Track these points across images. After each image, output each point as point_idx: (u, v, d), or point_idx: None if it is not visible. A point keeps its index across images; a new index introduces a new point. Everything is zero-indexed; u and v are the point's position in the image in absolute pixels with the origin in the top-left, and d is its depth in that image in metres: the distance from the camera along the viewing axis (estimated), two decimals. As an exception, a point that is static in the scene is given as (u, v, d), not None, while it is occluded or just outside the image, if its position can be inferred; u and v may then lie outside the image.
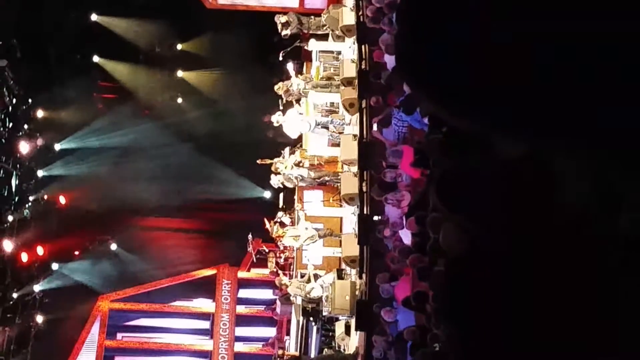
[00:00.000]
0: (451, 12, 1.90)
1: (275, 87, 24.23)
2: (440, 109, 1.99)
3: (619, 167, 1.88)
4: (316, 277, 22.36)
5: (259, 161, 24.10)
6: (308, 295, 22.00)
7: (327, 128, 22.98)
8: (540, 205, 2.01)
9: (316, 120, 23.23)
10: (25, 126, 34.79)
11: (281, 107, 24.38)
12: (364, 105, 19.72)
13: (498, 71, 1.85)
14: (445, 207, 2.18)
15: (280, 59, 24.89)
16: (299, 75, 24.30)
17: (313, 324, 23.03)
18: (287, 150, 23.88)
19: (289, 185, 23.78)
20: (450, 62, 1.89)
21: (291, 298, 23.40)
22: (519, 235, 2.01)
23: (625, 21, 1.77)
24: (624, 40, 1.77)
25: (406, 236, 16.05)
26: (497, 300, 1.98)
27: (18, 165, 34.43)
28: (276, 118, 24.03)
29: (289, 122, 23.77)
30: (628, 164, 1.86)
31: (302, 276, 22.85)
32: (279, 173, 23.62)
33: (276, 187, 24.54)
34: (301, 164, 23.28)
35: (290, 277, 26.08)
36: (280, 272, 27.24)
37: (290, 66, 24.44)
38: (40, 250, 34.11)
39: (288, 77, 24.30)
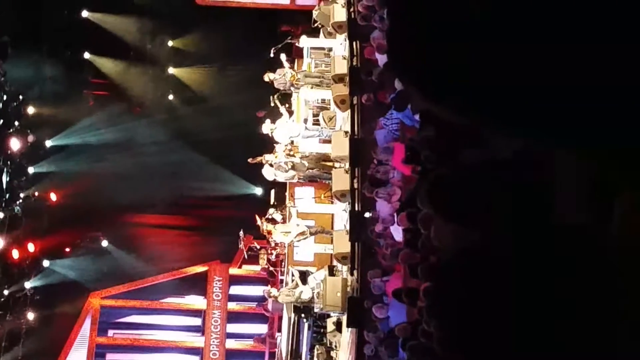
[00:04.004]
0: (444, 9, 1.91)
1: (264, 77, 24.23)
2: (432, 106, 1.99)
3: (614, 166, 1.89)
4: (305, 276, 22.36)
5: (250, 160, 24.04)
6: (299, 300, 22.03)
7: (319, 124, 22.98)
8: (536, 204, 2.01)
9: (306, 122, 23.26)
10: (16, 123, 34.68)
11: (272, 104, 24.36)
12: (355, 102, 19.73)
13: (493, 68, 1.85)
14: (439, 216, 2.19)
15: (272, 55, 24.88)
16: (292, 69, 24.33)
17: (304, 320, 23.04)
18: (278, 146, 23.84)
19: (281, 175, 23.64)
20: (443, 59, 1.89)
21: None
22: (514, 236, 2.01)
23: (624, 21, 1.77)
24: (622, 39, 1.77)
25: (397, 232, 16.06)
26: (489, 300, 1.98)
27: (9, 162, 34.34)
28: (266, 127, 24.01)
29: (279, 128, 23.79)
30: (624, 163, 1.86)
31: (292, 275, 22.86)
32: (271, 165, 23.55)
33: (270, 179, 24.33)
34: (292, 153, 23.22)
35: (282, 273, 26.11)
36: (270, 267, 27.28)
37: (283, 57, 24.44)
38: (31, 247, 34.06)
39: (280, 68, 24.28)
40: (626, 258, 1.91)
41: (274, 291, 24.39)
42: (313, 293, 21.42)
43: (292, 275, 22.92)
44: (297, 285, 22.15)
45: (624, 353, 1.90)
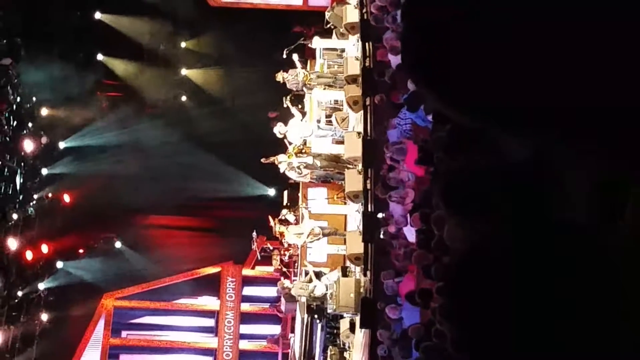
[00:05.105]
0: (457, 12, 1.91)
1: (277, 76, 24.27)
2: (446, 108, 2.00)
3: (623, 165, 1.89)
4: (319, 275, 22.36)
5: (262, 160, 24.05)
6: (312, 295, 22.01)
7: (331, 123, 22.98)
8: (545, 205, 2.02)
9: (319, 122, 23.29)
10: (30, 124, 34.80)
11: (285, 105, 24.38)
12: (368, 102, 19.72)
13: (505, 70, 1.86)
14: (452, 213, 2.19)
15: (284, 56, 24.92)
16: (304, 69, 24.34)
17: (317, 321, 23.03)
18: (291, 147, 23.85)
19: (293, 175, 23.66)
20: (456, 61, 1.90)
21: (295, 296, 23.42)
22: (524, 236, 2.02)
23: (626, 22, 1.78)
24: (626, 42, 1.78)
25: (410, 233, 16.05)
26: (501, 300, 1.99)
27: (22, 164, 34.44)
28: (278, 129, 24.06)
29: (291, 129, 23.83)
30: (633, 162, 1.87)
31: (306, 274, 22.87)
32: (282, 163, 23.51)
33: (282, 170, 24.12)
34: (304, 152, 23.22)
35: (295, 274, 26.11)
36: (283, 268, 27.25)
37: (295, 57, 24.47)
38: (44, 249, 34.14)
39: (293, 68, 24.31)
40: (632, 258, 1.91)
41: (287, 283, 24.43)
42: (327, 289, 21.42)
43: (306, 272, 22.91)
44: (311, 279, 22.15)
45: (626, 354, 1.91)
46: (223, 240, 34.83)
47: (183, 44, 36.01)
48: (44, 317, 33.81)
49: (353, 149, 20.12)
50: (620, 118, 1.82)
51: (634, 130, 1.81)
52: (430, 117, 15.75)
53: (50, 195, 35.24)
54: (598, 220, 1.97)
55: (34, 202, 34.73)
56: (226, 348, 34.10)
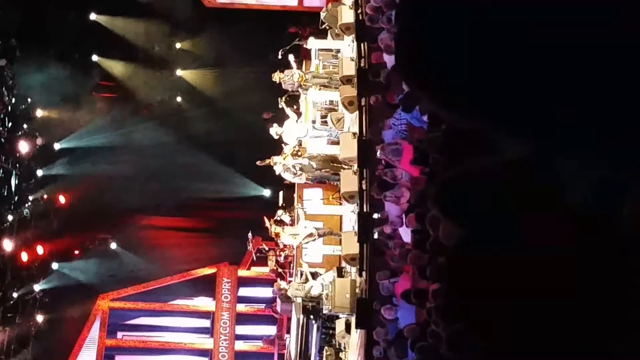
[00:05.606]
0: (451, 12, 1.91)
1: (273, 76, 24.30)
2: (441, 110, 1.99)
3: (622, 165, 1.89)
4: (315, 275, 22.38)
5: (258, 163, 24.05)
6: (308, 295, 22.02)
7: (326, 123, 23.00)
8: (543, 207, 2.02)
9: (314, 123, 23.30)
10: (25, 126, 34.77)
11: (280, 106, 24.39)
12: (363, 103, 19.72)
13: (500, 71, 1.86)
14: (447, 219, 2.19)
15: (280, 57, 24.93)
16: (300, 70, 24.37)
17: (313, 322, 23.03)
18: (286, 148, 23.86)
19: (289, 176, 23.67)
20: (451, 63, 1.89)
21: (291, 297, 23.43)
22: (522, 238, 2.01)
23: (627, 23, 1.78)
24: (625, 40, 1.78)
25: (406, 233, 16.05)
26: (498, 299, 1.99)
27: (17, 165, 34.41)
28: (274, 130, 24.09)
29: (287, 130, 23.84)
30: (632, 162, 1.86)
31: (302, 274, 22.88)
32: (277, 164, 23.54)
33: (277, 173, 24.18)
34: (299, 154, 23.22)
35: (290, 274, 26.10)
36: (279, 269, 27.25)
37: (291, 58, 24.52)
38: (40, 250, 34.10)
39: (288, 68, 24.34)
40: (632, 257, 1.91)
41: (283, 284, 24.43)
42: (322, 289, 21.43)
43: (302, 273, 22.93)
44: (307, 279, 22.17)
45: (626, 354, 1.91)
46: (218, 241, 34.84)
47: (178, 45, 36.00)
48: (40, 318, 33.77)
49: (348, 149, 20.10)
50: (620, 118, 1.81)
51: (634, 130, 1.81)
52: (425, 118, 15.77)
53: (45, 196, 35.20)
54: (597, 220, 1.97)
55: (29, 203, 34.70)
56: (222, 349, 34.08)
